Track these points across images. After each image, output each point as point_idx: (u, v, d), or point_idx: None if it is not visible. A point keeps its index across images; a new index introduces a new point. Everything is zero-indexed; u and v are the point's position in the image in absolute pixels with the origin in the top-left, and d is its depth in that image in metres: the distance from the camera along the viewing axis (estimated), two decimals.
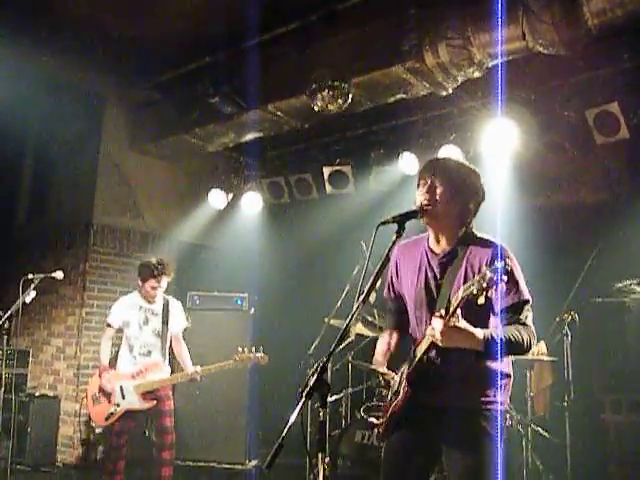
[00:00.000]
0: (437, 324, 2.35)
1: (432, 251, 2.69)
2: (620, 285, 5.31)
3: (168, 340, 4.89)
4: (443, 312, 2.36)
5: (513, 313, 2.48)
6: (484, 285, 2.21)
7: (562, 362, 5.05)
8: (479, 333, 2.37)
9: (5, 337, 5.11)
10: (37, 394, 6.71)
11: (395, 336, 2.86)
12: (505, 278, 2.19)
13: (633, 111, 5.00)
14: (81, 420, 6.70)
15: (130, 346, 4.85)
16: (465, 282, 2.45)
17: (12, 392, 5.78)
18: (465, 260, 2.56)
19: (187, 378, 4.82)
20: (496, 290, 2.25)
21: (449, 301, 2.39)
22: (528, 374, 5.05)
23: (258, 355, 4.84)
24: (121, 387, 4.72)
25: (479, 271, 2.38)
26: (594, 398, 5.19)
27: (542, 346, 5.32)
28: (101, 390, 4.76)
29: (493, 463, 2.46)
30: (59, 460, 6.57)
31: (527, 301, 2.53)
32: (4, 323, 4.64)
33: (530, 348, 2.49)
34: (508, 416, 4.69)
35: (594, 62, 4.99)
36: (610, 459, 4.93)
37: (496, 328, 2.45)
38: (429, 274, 2.66)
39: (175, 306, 5.02)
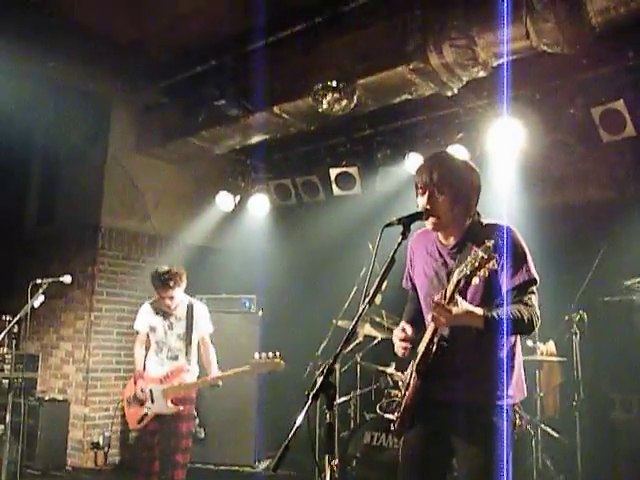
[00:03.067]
0: (437, 309, 2.41)
1: (441, 242, 2.72)
2: (628, 283, 5.28)
3: (194, 344, 4.86)
4: (442, 295, 2.44)
5: (518, 293, 2.51)
6: (476, 265, 2.30)
7: (571, 361, 5.03)
8: (479, 311, 2.41)
9: (14, 341, 5.13)
10: (46, 398, 6.73)
11: (412, 324, 2.80)
12: (496, 256, 2.27)
13: (639, 108, 4.98)
14: (90, 423, 6.75)
15: (158, 350, 4.85)
16: None
17: (22, 396, 5.80)
18: (473, 250, 2.55)
19: (209, 383, 4.80)
20: (488, 269, 2.30)
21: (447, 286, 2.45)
22: (537, 374, 5.03)
23: (274, 361, 4.71)
24: (150, 391, 4.74)
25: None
26: (604, 397, 5.16)
27: (551, 345, 5.30)
28: (134, 395, 4.80)
29: (502, 458, 2.46)
30: (69, 464, 6.60)
31: (534, 280, 2.54)
32: (13, 327, 4.66)
33: (532, 328, 2.51)
34: (518, 416, 4.67)
35: (599, 60, 4.98)
36: (621, 458, 4.90)
37: (498, 307, 2.47)
38: (439, 264, 2.70)
39: (200, 310, 4.98)
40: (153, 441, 4.75)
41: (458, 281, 2.39)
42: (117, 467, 6.74)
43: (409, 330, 2.71)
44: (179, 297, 4.83)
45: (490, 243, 2.29)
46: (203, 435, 6.01)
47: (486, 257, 2.28)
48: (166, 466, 4.75)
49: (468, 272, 2.33)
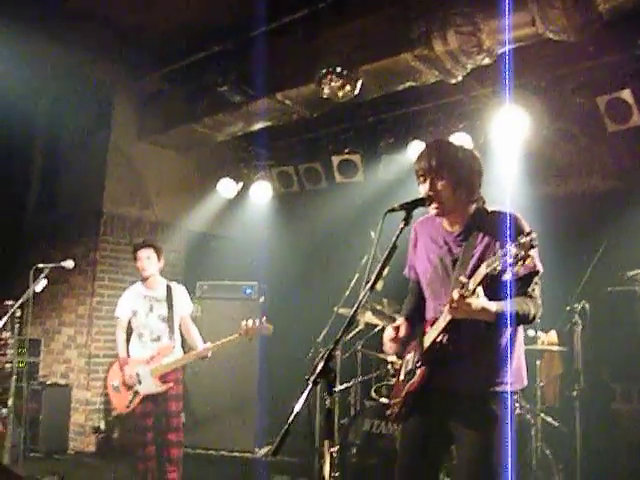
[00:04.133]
0: (457, 297, 2.35)
1: (446, 229, 2.71)
2: (631, 273, 5.24)
3: (176, 324, 4.92)
4: (463, 282, 2.37)
5: (523, 284, 2.49)
6: (510, 261, 2.20)
7: (572, 351, 5.02)
8: (493, 307, 2.39)
9: (17, 326, 5.16)
10: (49, 382, 6.79)
11: (409, 321, 2.81)
12: (531, 253, 2.18)
13: None
14: (92, 408, 6.78)
15: (140, 334, 4.91)
16: (481, 260, 2.46)
17: (24, 380, 5.83)
18: (479, 238, 2.58)
19: (198, 355, 4.84)
20: (523, 266, 2.22)
21: (470, 276, 2.40)
22: (538, 363, 5.03)
23: (263, 326, 4.73)
24: (137, 373, 4.79)
25: (496, 246, 2.46)
26: (604, 387, 5.16)
27: (553, 335, 5.30)
28: (121, 380, 4.84)
29: (502, 446, 2.46)
30: (71, 447, 6.66)
31: (538, 272, 2.53)
32: (15, 312, 4.67)
33: (534, 320, 2.53)
34: (518, 405, 4.68)
35: (605, 48, 4.93)
36: (620, 448, 4.91)
37: (505, 299, 2.44)
38: (444, 250, 2.68)
39: (179, 291, 5.05)
40: (146, 424, 4.80)
41: (486, 274, 2.31)
42: (118, 451, 6.76)
43: (402, 331, 2.72)
44: (157, 274, 4.97)
45: (525, 240, 2.17)
46: (183, 419, 6.00)
47: (522, 254, 2.17)
48: (161, 446, 4.83)
49: (499, 268, 2.24)
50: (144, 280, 4.99)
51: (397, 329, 2.74)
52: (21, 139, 7.41)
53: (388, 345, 2.76)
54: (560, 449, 4.92)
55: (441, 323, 2.53)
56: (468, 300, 2.34)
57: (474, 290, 2.34)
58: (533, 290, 2.53)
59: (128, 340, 4.98)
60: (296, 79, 5.72)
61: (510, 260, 2.21)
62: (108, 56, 6.44)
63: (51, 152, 7.94)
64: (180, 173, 7.78)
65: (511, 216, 2.54)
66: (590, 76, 5.27)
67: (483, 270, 2.32)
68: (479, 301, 2.35)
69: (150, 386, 4.76)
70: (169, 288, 5.00)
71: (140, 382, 4.78)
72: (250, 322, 4.70)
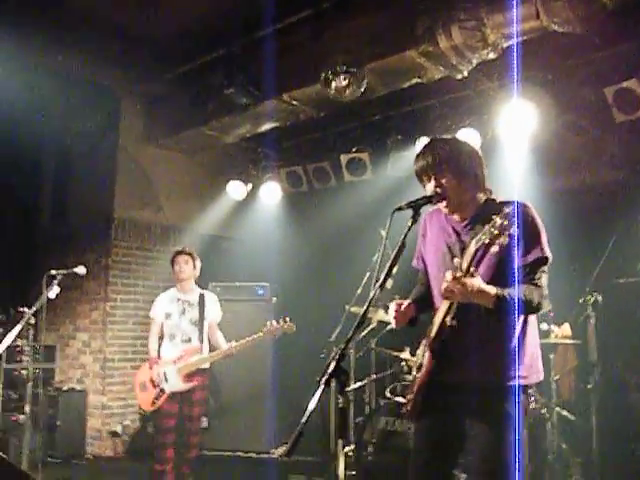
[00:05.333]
0: (450, 279, 2.37)
1: (455, 219, 2.71)
2: None
3: (205, 328, 5.20)
4: (455, 264, 2.39)
5: (529, 272, 2.48)
6: (495, 232, 2.24)
7: (586, 344, 5.00)
8: (491, 290, 2.37)
9: (32, 333, 5.19)
10: (65, 388, 6.83)
11: (415, 304, 2.83)
12: (515, 220, 2.21)
13: None
14: (108, 412, 6.82)
15: (172, 335, 5.14)
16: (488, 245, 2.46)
17: (41, 387, 5.87)
18: (486, 225, 2.56)
19: (223, 354, 5.06)
20: (508, 236, 2.25)
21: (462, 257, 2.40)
22: (552, 357, 5.01)
23: (285, 325, 5.06)
24: (164, 372, 4.99)
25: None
26: (619, 379, 5.13)
27: (566, 328, 5.27)
28: (149, 379, 5.05)
29: (512, 442, 2.45)
30: (88, 452, 6.70)
31: (546, 258, 2.51)
32: (30, 319, 4.71)
33: (539, 310, 2.51)
34: (533, 399, 4.66)
35: (611, 39, 4.88)
36: (637, 440, 4.88)
37: (511, 286, 2.43)
38: (453, 240, 2.68)
39: (210, 298, 5.35)
40: (169, 425, 4.99)
41: (476, 251, 2.33)
42: (136, 455, 6.81)
43: (405, 305, 2.74)
44: (192, 279, 5.28)
45: (508, 209, 2.24)
46: (206, 424, 6.16)
47: (506, 223, 2.22)
48: (182, 447, 5.05)
49: (487, 240, 2.28)
50: (179, 283, 5.25)
51: (400, 304, 2.75)
52: (31, 148, 7.45)
53: (393, 321, 2.77)
54: (576, 443, 4.90)
55: (441, 311, 2.53)
56: (462, 280, 2.33)
57: (468, 269, 2.34)
58: (539, 278, 2.51)
59: (160, 344, 5.21)
60: (302, 79, 5.73)
61: (495, 231, 2.22)
62: (114, 61, 6.45)
63: (61, 159, 7.99)
64: (189, 176, 7.81)
65: (519, 204, 2.53)
66: (597, 67, 5.24)
67: (472, 247, 2.34)
68: (473, 281, 2.35)
69: (176, 384, 4.95)
70: (202, 295, 5.28)
71: (166, 380, 4.97)
72: (275, 322, 5.04)
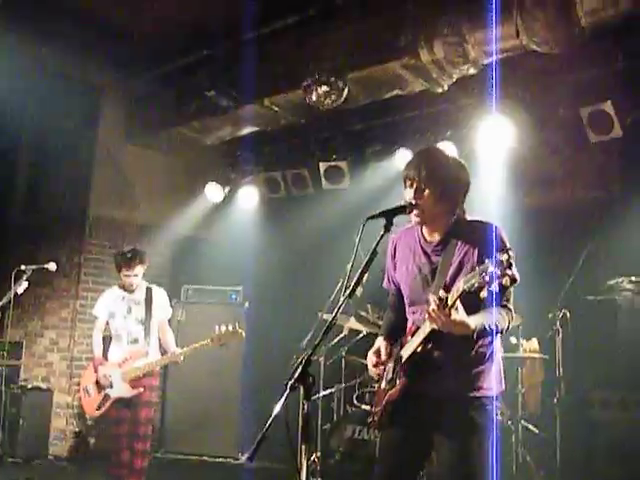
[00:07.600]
0: (436, 312, 2.35)
1: (425, 239, 2.71)
2: (612, 283, 5.32)
3: (153, 328, 4.86)
4: (441, 296, 2.37)
5: (501, 295, 2.48)
6: (487, 279, 2.21)
7: (553, 359, 5.07)
8: (472, 323, 2.39)
9: None
10: (30, 386, 6.67)
11: (389, 340, 2.81)
12: (509, 272, 2.18)
13: (626, 110, 5.02)
14: (73, 412, 6.72)
15: (118, 336, 4.86)
16: (460, 269, 2.50)
17: (4, 384, 5.76)
18: (458, 247, 2.58)
19: (168, 360, 4.78)
20: (499, 284, 2.22)
21: (447, 289, 2.40)
22: (520, 371, 5.07)
23: (235, 331, 4.66)
24: (110, 375, 4.72)
25: (476, 258, 2.46)
26: (584, 395, 5.20)
27: (534, 343, 5.34)
28: (94, 382, 4.76)
29: (483, 454, 2.48)
30: (51, 452, 6.56)
31: (516, 281, 2.52)
32: None
33: (509, 329, 2.56)
34: (499, 412, 4.71)
35: (588, 61, 4.99)
36: (599, 455, 4.95)
37: (483, 311, 2.45)
38: (423, 261, 2.68)
39: (159, 294, 4.99)
40: (118, 431, 4.69)
41: (463, 290, 2.31)
42: (98, 456, 6.72)
43: (383, 352, 2.74)
44: (139, 276, 4.86)
45: (504, 257, 2.18)
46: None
47: (499, 273, 2.18)
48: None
49: (477, 284, 2.25)
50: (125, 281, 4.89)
51: (378, 354, 2.75)
52: (7, 138, 7.34)
53: (373, 371, 2.78)
54: (540, 455, 4.96)
55: (421, 334, 2.53)
56: (447, 311, 2.34)
57: (453, 304, 2.35)
58: (508, 300, 2.55)
59: (105, 342, 4.93)
60: (284, 85, 5.75)
61: (487, 278, 2.21)
62: (97, 57, 6.42)
63: (38, 152, 7.86)
64: (167, 176, 7.76)
65: (496, 228, 2.55)
66: (573, 88, 5.34)
67: (461, 286, 2.33)
68: (457, 315, 2.35)
69: (120, 390, 4.67)
70: (149, 290, 4.93)
71: (111, 385, 4.70)
72: (223, 328, 4.66)
